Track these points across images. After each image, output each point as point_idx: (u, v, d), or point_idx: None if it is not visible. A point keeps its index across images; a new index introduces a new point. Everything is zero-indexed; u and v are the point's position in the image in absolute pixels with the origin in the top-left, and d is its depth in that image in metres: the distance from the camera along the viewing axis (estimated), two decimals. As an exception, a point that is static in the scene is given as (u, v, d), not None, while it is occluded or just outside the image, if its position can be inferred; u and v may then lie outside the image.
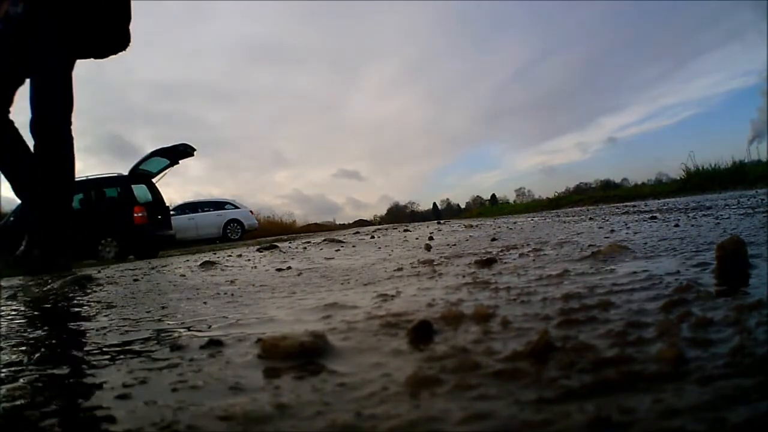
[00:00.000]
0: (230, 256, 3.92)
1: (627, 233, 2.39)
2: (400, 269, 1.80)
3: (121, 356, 0.91)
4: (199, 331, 1.07)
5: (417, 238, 3.85)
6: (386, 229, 7.29)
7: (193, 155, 10.41)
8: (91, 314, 1.49)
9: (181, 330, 1.10)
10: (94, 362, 0.87)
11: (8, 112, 3.36)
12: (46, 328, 1.33)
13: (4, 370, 0.87)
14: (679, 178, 12.07)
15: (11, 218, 8.80)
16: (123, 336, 1.11)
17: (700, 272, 1.10)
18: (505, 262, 1.67)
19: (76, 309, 1.68)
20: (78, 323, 1.35)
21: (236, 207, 15.40)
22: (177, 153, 10.02)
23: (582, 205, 12.34)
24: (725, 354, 0.58)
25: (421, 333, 0.80)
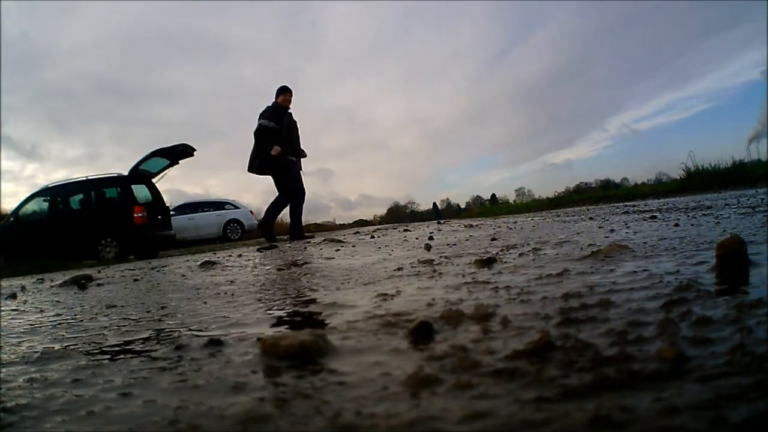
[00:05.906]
0: (230, 256, 3.92)
1: (627, 233, 2.39)
2: (400, 269, 1.80)
3: (122, 356, 0.91)
4: (200, 330, 1.07)
5: (417, 238, 3.85)
6: (386, 229, 7.29)
7: (192, 155, 10.41)
8: (92, 314, 1.50)
9: (182, 329, 1.10)
10: (95, 361, 0.88)
11: None
12: (47, 327, 1.33)
13: (4, 369, 0.88)
14: (679, 177, 12.06)
15: (11, 218, 8.81)
16: (123, 336, 1.11)
17: (700, 271, 1.10)
18: (505, 262, 1.67)
19: (77, 308, 1.68)
20: (80, 322, 1.35)
21: (236, 207, 15.40)
22: (177, 153, 10.02)
23: (582, 205, 12.34)
24: (725, 352, 0.58)
25: (421, 332, 0.81)
